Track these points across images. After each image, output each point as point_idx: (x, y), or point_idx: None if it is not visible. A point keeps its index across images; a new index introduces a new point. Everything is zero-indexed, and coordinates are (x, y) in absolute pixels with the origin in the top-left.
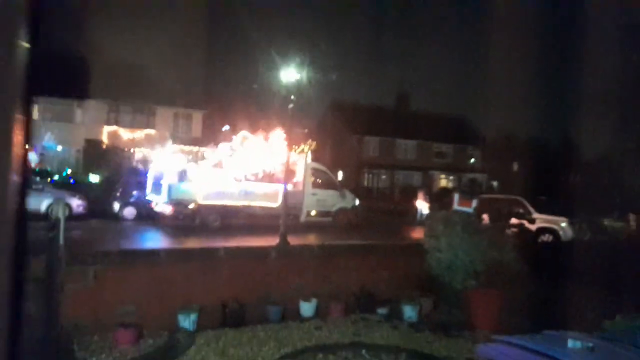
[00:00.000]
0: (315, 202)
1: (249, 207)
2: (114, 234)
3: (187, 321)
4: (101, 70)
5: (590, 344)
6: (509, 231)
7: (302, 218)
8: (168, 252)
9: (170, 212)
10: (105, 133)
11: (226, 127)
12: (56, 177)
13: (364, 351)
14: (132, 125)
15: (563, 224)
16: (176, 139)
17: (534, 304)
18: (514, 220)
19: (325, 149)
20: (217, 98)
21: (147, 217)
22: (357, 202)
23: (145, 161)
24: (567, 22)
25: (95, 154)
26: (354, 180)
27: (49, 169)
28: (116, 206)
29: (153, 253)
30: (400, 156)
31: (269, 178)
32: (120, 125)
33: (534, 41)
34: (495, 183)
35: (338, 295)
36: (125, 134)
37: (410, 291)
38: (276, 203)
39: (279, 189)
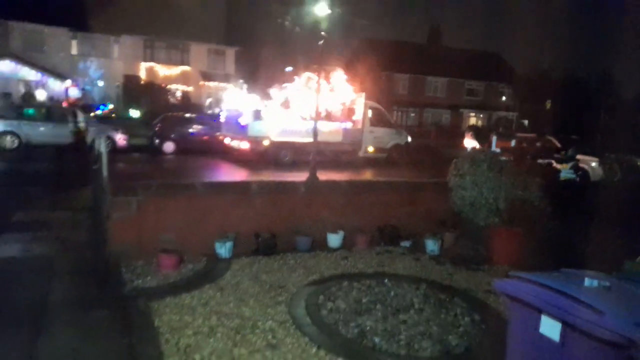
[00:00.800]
0: (373, 139)
1: (314, 144)
2: (155, 166)
3: (223, 249)
4: (136, 6)
5: (607, 283)
6: (536, 170)
7: (361, 154)
8: (207, 185)
9: (247, 148)
10: (143, 69)
11: (289, 68)
12: (99, 112)
13: (386, 280)
14: (168, 62)
15: (593, 164)
16: (211, 75)
17: (556, 243)
18: (541, 160)
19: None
20: (249, 35)
21: (187, 151)
22: (409, 139)
23: (183, 97)
24: None
25: (134, 89)
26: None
27: (91, 104)
28: (156, 140)
29: (192, 186)
30: (430, 93)
31: (331, 117)
32: (156, 61)
33: None
34: (526, 122)
35: (364, 229)
36: (161, 69)
37: (434, 226)
38: (336, 139)
39: (340, 127)
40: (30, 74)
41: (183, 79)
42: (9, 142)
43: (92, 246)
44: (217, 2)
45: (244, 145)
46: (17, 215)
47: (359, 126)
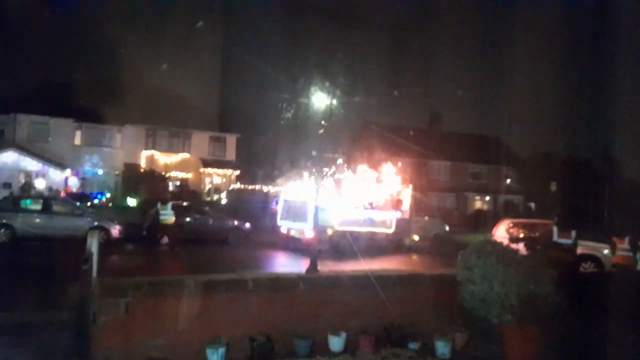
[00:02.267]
0: (419, 229)
1: (368, 232)
2: (149, 259)
3: (215, 355)
4: (140, 96)
5: None
6: (546, 261)
7: (407, 242)
8: (200, 282)
9: (312, 237)
10: (143, 157)
11: (339, 160)
12: (96, 201)
13: None
14: (169, 149)
15: (605, 252)
16: (211, 162)
17: (573, 341)
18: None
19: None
20: (250, 122)
21: (184, 241)
22: (447, 228)
23: (183, 185)
24: (606, 40)
25: (133, 178)
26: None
27: (90, 192)
28: (151, 231)
29: (184, 283)
30: (434, 177)
31: (384, 206)
32: (157, 149)
33: (571, 58)
34: (532, 205)
35: (369, 329)
36: (161, 157)
37: (444, 325)
38: (390, 229)
39: (392, 216)
40: (32, 164)
41: (183, 166)
42: (2, 235)
43: (76, 352)
44: (219, 90)
45: (309, 234)
46: None
47: (407, 216)
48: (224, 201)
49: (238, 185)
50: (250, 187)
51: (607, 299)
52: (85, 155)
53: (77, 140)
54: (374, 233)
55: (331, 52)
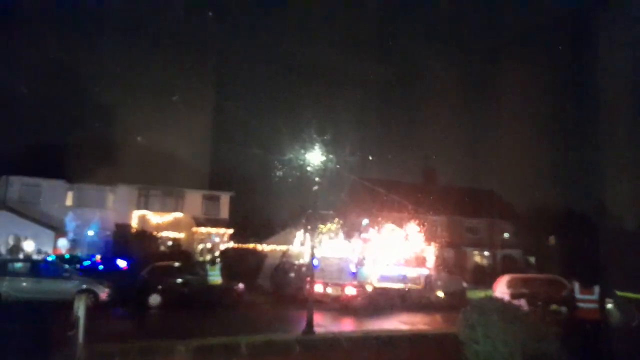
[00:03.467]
0: (443, 285)
1: (402, 289)
2: (139, 323)
3: None
4: (132, 156)
5: None
6: (550, 317)
7: (433, 299)
8: (190, 346)
9: (354, 293)
10: (135, 217)
11: (366, 221)
12: (86, 263)
13: None
14: (161, 209)
15: (609, 306)
16: (204, 221)
17: None
18: (554, 306)
19: (352, 228)
20: (244, 180)
21: (176, 303)
22: (465, 284)
23: (174, 245)
24: (599, 91)
25: (124, 238)
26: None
27: (79, 254)
28: (141, 293)
29: (174, 348)
30: (431, 232)
31: (413, 263)
32: (149, 208)
33: (564, 111)
34: (532, 259)
35: None
36: (153, 217)
37: None
38: (420, 285)
39: (422, 273)
40: (22, 226)
41: (175, 225)
42: None
43: None
44: (212, 149)
45: (351, 290)
46: None
47: (432, 273)
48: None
49: (232, 244)
50: (244, 246)
51: (613, 355)
52: (76, 216)
53: (69, 201)
54: (406, 289)
55: (323, 110)
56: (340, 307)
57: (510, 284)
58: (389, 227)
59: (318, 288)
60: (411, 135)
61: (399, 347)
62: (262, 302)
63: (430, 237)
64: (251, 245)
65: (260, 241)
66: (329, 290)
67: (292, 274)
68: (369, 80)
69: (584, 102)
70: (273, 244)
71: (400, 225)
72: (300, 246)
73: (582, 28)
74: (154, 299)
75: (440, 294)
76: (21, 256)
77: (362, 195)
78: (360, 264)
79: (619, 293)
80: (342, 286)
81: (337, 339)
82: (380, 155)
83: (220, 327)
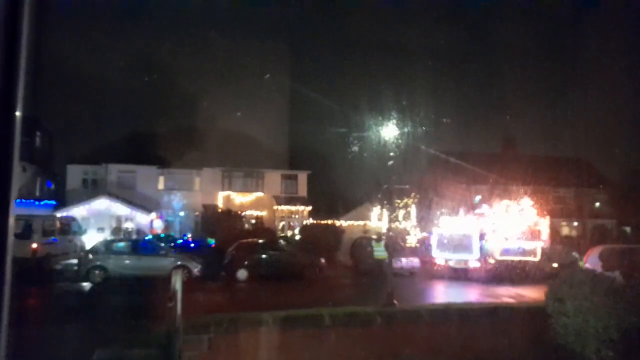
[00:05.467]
0: (556, 256)
1: (520, 261)
2: (229, 296)
3: None
4: (216, 141)
5: None
6: None
7: (548, 270)
8: (277, 317)
9: (478, 266)
10: (220, 198)
11: (478, 197)
12: (179, 241)
13: None
14: (244, 189)
15: None
16: (284, 200)
17: None
18: None
19: (432, 202)
20: (320, 158)
21: (262, 277)
22: (577, 255)
23: (257, 222)
24: None
25: (211, 218)
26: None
27: (172, 233)
28: (229, 268)
29: (264, 319)
30: (489, 201)
31: (526, 237)
32: (232, 189)
33: None
34: (627, 229)
35: None
36: (237, 197)
37: None
38: (536, 258)
39: (537, 245)
40: (121, 209)
41: (257, 204)
42: (97, 276)
43: None
44: (288, 129)
45: (474, 264)
46: (97, 353)
47: (547, 245)
48: (297, 237)
49: (311, 221)
50: (323, 222)
51: None
52: (168, 198)
53: (160, 185)
54: (524, 261)
55: (395, 84)
56: (464, 279)
57: (603, 256)
58: (504, 203)
59: (440, 261)
60: (487, 103)
61: (481, 320)
62: (342, 275)
63: (543, 210)
64: (329, 222)
65: (338, 217)
66: (452, 263)
67: (370, 249)
68: (441, 49)
69: None
70: (351, 219)
71: (484, 197)
72: (378, 221)
73: None
74: (242, 274)
75: (555, 265)
76: (123, 236)
77: (440, 169)
78: (482, 238)
79: None
80: (466, 260)
81: (417, 311)
82: (457, 125)
83: (304, 299)
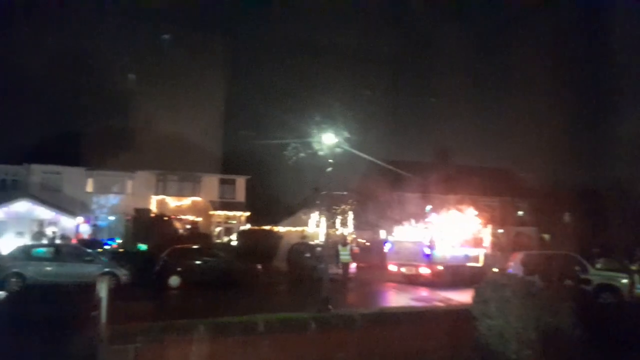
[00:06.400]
0: (496, 262)
1: (466, 267)
2: (159, 304)
3: None
4: (151, 142)
5: None
6: (563, 292)
7: (489, 274)
8: (209, 325)
9: (429, 273)
10: (154, 202)
11: (429, 207)
12: (107, 247)
13: None
14: (179, 193)
15: (624, 280)
16: (220, 205)
17: None
18: (568, 282)
19: (368, 208)
20: (259, 163)
21: (195, 284)
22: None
23: (192, 228)
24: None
25: (143, 223)
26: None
27: (100, 239)
28: (161, 275)
29: (195, 326)
30: (437, 211)
31: (469, 244)
32: (167, 193)
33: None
34: (547, 236)
35: None
36: (172, 201)
37: None
38: (479, 263)
39: (480, 252)
40: (45, 213)
41: (193, 209)
42: (14, 284)
43: None
44: (228, 133)
45: (425, 270)
46: None
47: (488, 251)
48: (234, 243)
49: (248, 227)
50: (260, 228)
51: (627, 329)
52: (97, 201)
53: (89, 188)
54: (469, 267)
55: (336, 91)
56: (414, 284)
57: (524, 261)
58: (451, 212)
59: (393, 268)
60: (422, 113)
61: (413, 323)
62: (279, 282)
63: (486, 219)
64: (267, 228)
65: (276, 223)
66: (404, 270)
67: (308, 255)
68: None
69: (602, 77)
70: (289, 225)
71: (418, 205)
72: (316, 227)
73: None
74: (174, 281)
75: (496, 270)
76: (45, 242)
77: (377, 176)
78: (432, 246)
79: (633, 268)
80: (417, 266)
81: (351, 316)
82: (393, 134)
83: (239, 306)
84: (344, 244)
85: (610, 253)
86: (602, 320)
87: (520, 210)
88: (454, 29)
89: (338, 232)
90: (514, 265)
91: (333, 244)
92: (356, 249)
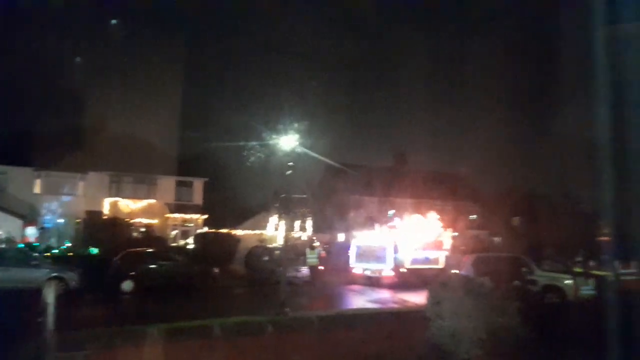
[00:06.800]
0: (456, 264)
1: (426, 269)
2: (111, 309)
3: None
4: (104, 143)
5: None
6: (512, 293)
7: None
8: (163, 330)
9: (391, 275)
10: (106, 204)
11: (391, 211)
12: (55, 251)
13: None
14: (133, 196)
15: (568, 282)
16: (177, 207)
17: None
18: (516, 282)
19: (327, 211)
20: (218, 166)
21: (149, 289)
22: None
23: (148, 231)
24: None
25: (95, 226)
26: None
27: (49, 242)
28: (114, 279)
29: (146, 332)
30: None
31: (430, 247)
32: (121, 195)
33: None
34: (497, 239)
35: None
36: (126, 204)
37: None
38: (440, 265)
39: (441, 254)
40: None
41: (148, 212)
42: None
43: None
44: (185, 135)
45: (388, 273)
46: None
47: (449, 254)
48: (191, 246)
49: (206, 230)
50: (218, 231)
51: (570, 327)
52: (45, 204)
53: (37, 189)
54: (430, 269)
55: (295, 95)
56: (378, 287)
57: (476, 263)
58: (414, 217)
59: (357, 271)
60: (381, 118)
61: (369, 325)
62: (236, 285)
63: (446, 223)
64: (225, 231)
65: (234, 226)
66: (368, 272)
67: (266, 258)
68: (342, 63)
69: (550, 87)
70: (247, 229)
71: (376, 209)
72: (274, 231)
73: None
74: (127, 285)
75: (455, 271)
76: None
77: (337, 180)
78: (396, 250)
79: (576, 270)
80: (380, 269)
81: (309, 318)
82: (351, 138)
83: (195, 311)
84: (312, 247)
85: (555, 255)
86: (547, 319)
87: (473, 215)
88: (413, 34)
89: (297, 235)
90: (466, 267)
91: (293, 247)
92: (323, 253)
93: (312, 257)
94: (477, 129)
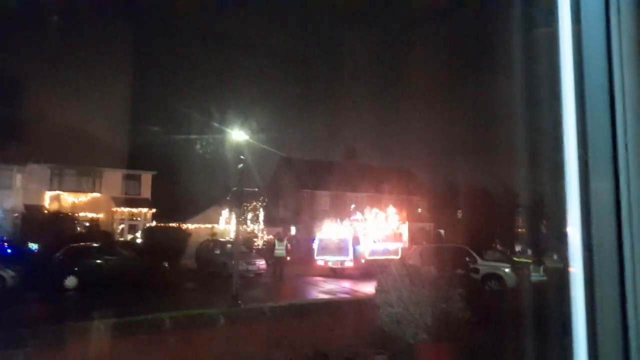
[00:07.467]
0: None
1: (385, 260)
2: (53, 306)
3: None
4: (45, 133)
5: None
6: (455, 281)
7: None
8: (109, 324)
9: (352, 265)
10: (47, 198)
11: (353, 205)
12: None
13: None
14: (77, 189)
15: (507, 270)
16: (124, 201)
17: (482, 353)
18: (459, 271)
19: (279, 205)
20: (167, 159)
21: (93, 284)
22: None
23: (93, 225)
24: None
25: (35, 220)
26: (311, 234)
27: None
28: (55, 276)
29: (91, 327)
30: (359, 209)
31: (392, 238)
32: (63, 189)
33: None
34: (442, 231)
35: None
36: (68, 197)
37: (366, 349)
38: (398, 256)
39: (398, 246)
40: None
41: (93, 206)
42: None
43: None
44: (132, 128)
45: (349, 264)
46: None
47: (406, 246)
48: (139, 241)
49: (154, 224)
50: (168, 225)
51: (508, 312)
52: None
53: None
54: (388, 260)
55: (245, 89)
56: (340, 277)
57: (422, 253)
58: (374, 211)
59: (320, 262)
60: (331, 114)
61: (321, 314)
62: (187, 279)
63: (406, 217)
64: (175, 225)
65: (184, 220)
66: (330, 264)
67: (218, 252)
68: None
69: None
70: (198, 222)
71: (327, 202)
72: (226, 224)
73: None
74: (70, 281)
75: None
76: None
77: (288, 174)
78: (356, 242)
79: (515, 259)
80: (342, 261)
81: (261, 309)
82: (303, 133)
83: (144, 306)
84: (280, 239)
85: (496, 246)
86: (487, 304)
87: (419, 208)
88: (361, 31)
89: (249, 229)
90: (412, 257)
91: (245, 241)
92: (289, 246)
93: (279, 249)
94: (422, 127)
